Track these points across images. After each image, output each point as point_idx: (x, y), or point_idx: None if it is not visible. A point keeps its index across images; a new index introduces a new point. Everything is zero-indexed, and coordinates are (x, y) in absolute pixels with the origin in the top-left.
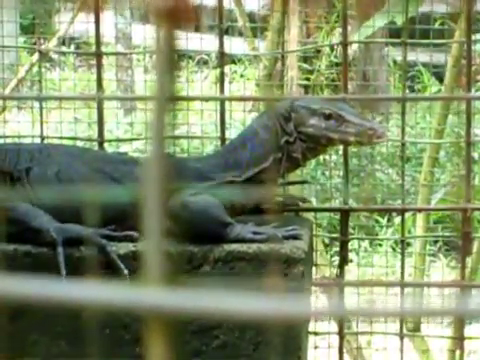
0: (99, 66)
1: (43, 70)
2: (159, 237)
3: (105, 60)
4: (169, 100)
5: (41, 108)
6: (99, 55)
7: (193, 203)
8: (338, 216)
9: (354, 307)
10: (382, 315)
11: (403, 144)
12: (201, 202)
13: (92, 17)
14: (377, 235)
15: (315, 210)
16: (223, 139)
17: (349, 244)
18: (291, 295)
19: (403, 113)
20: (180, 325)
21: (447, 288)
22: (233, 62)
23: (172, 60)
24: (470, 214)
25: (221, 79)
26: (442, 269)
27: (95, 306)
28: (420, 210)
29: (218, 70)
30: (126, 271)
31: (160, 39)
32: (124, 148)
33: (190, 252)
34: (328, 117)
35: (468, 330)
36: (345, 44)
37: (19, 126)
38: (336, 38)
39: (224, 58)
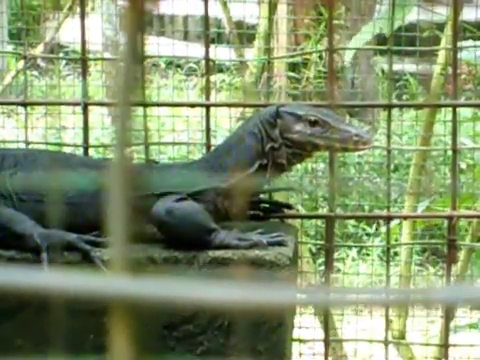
0: (85, 72)
1: (31, 78)
2: (124, 240)
3: (93, 67)
4: (134, 105)
5: (26, 114)
6: (84, 60)
7: (178, 209)
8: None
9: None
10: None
11: (389, 151)
12: (186, 208)
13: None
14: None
15: (300, 217)
16: (209, 146)
17: (336, 253)
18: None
19: (389, 120)
20: (164, 331)
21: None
22: (221, 71)
23: (136, 64)
24: (456, 222)
25: (207, 86)
26: (428, 278)
27: (60, 293)
28: (406, 217)
29: (204, 79)
30: None
31: (125, 43)
32: (111, 155)
33: (175, 258)
34: (314, 123)
35: (453, 338)
36: (331, 51)
37: (4, 132)
38: (324, 47)
39: (210, 65)
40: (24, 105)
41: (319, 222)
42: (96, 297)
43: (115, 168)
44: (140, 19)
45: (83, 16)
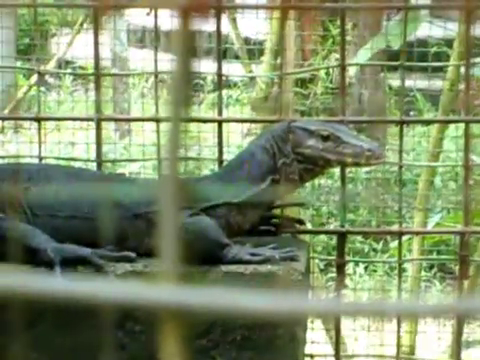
0: (98, 87)
1: (39, 94)
2: (174, 253)
3: (101, 83)
4: (183, 121)
5: (39, 129)
6: (98, 76)
7: (190, 224)
8: (333, 241)
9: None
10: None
11: (400, 167)
12: (198, 223)
13: (89, 40)
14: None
15: (312, 232)
16: (221, 161)
17: (345, 268)
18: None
19: (401, 136)
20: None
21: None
22: (229, 87)
23: (187, 82)
24: (468, 238)
25: (219, 101)
26: (436, 294)
27: (110, 303)
28: (418, 233)
29: (213, 94)
30: None
31: (177, 61)
32: (120, 171)
33: (187, 273)
34: (326, 138)
35: (465, 354)
36: (343, 66)
37: (12, 148)
38: (332, 63)
39: (222, 80)
40: (37, 120)
41: (326, 238)
42: (148, 306)
43: (166, 183)
44: (190, 38)
45: (96, 32)
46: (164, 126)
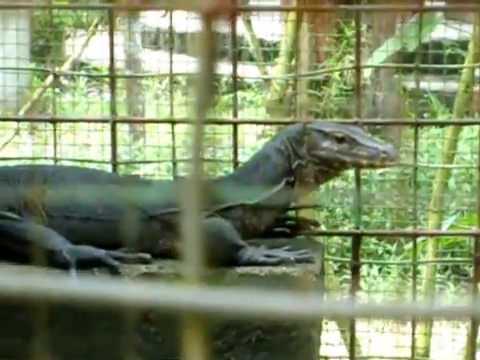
0: (113, 89)
1: (53, 95)
2: (198, 254)
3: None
4: (206, 123)
5: (55, 130)
6: (113, 78)
7: (206, 226)
8: (348, 243)
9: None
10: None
11: (416, 169)
12: (214, 225)
13: (104, 41)
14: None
15: (327, 234)
16: (236, 163)
17: (359, 270)
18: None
19: (416, 138)
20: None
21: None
22: (243, 88)
23: (210, 85)
24: None
25: (234, 103)
26: (450, 296)
27: (135, 304)
28: (432, 235)
29: (227, 96)
30: None
31: (199, 64)
32: (134, 173)
33: (203, 274)
34: (341, 140)
35: (479, 355)
36: (358, 68)
37: (32, 149)
38: (346, 64)
39: (237, 82)
40: (52, 122)
41: (340, 239)
42: (171, 308)
43: (189, 185)
44: (213, 40)
45: (112, 34)
46: (179, 128)
